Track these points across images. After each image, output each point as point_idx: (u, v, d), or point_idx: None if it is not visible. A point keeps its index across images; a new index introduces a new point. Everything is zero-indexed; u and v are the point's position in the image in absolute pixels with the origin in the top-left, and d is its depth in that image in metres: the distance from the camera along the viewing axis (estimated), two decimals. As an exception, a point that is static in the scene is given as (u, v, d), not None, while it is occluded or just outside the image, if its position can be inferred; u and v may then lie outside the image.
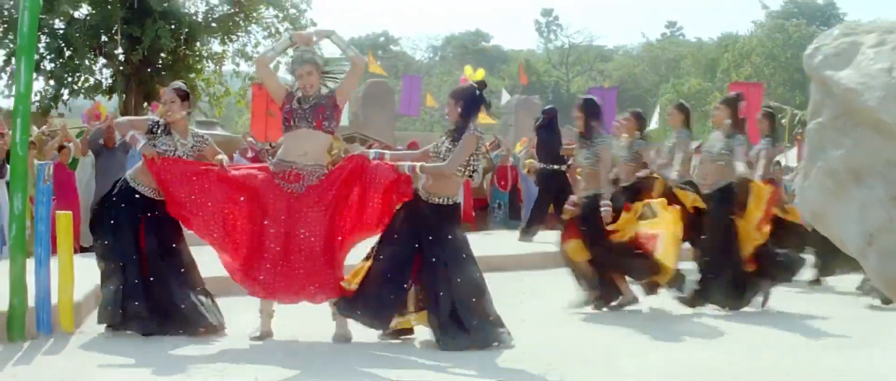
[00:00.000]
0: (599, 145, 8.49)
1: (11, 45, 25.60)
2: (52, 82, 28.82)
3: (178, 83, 7.76)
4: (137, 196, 7.01)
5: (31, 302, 6.70)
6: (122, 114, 30.23)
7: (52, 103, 29.01)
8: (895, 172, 2.38)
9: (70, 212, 7.12)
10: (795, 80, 52.37)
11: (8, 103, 27.79)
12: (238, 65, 32.27)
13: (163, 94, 7.37)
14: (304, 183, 6.77)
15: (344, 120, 32.02)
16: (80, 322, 7.22)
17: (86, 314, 7.46)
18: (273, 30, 30.42)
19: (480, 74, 19.06)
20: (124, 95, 29.65)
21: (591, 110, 8.66)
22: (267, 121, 29.29)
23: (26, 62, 6.23)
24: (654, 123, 33.88)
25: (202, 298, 7.17)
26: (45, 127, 15.10)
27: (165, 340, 6.85)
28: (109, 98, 31.04)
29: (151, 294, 6.92)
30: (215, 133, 15.78)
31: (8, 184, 7.21)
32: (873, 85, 2.38)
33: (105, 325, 6.97)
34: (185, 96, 7.30)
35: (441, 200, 6.83)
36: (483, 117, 29.85)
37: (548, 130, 14.53)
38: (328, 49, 7.50)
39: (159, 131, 7.10)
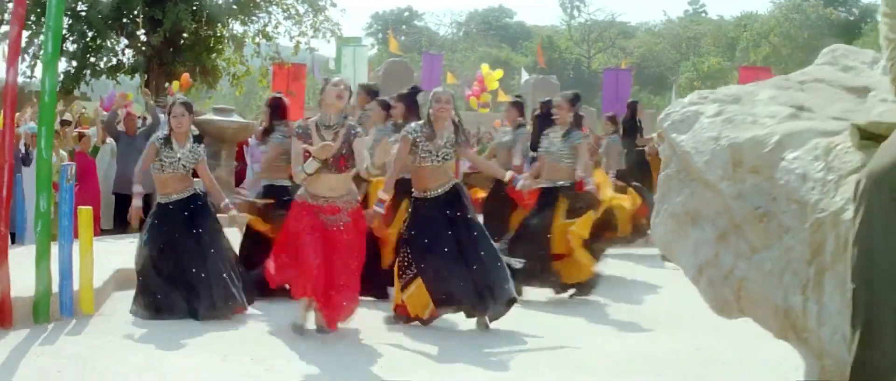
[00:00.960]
0: (579, 141, 9.06)
1: (34, 27, 26.16)
2: (74, 63, 29.18)
3: (184, 97, 8.52)
4: (171, 207, 7.93)
5: (54, 288, 7.39)
6: (143, 95, 30.96)
7: (74, 84, 29.43)
8: (720, 218, 3.05)
9: (90, 207, 7.79)
10: (812, 61, 52.52)
11: (29, 83, 28.35)
12: (259, 45, 32.76)
13: (173, 108, 8.05)
14: (342, 216, 7.03)
15: (354, 100, 32.70)
16: (99, 305, 7.95)
17: (105, 298, 8.18)
18: (292, 12, 30.56)
19: (499, 73, 19.60)
20: (146, 76, 30.14)
21: (577, 105, 9.26)
22: (287, 100, 29.92)
23: (50, 76, 6.93)
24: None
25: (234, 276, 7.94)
26: (68, 113, 15.68)
27: (181, 321, 7.56)
28: (132, 78, 31.53)
29: (189, 278, 7.75)
30: (232, 120, 16.27)
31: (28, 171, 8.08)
32: (703, 150, 3.05)
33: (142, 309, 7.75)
34: (191, 109, 8.05)
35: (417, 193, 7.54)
36: (502, 96, 30.28)
37: (546, 120, 15.09)
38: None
39: (161, 145, 7.85)
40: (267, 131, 9.03)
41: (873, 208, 2.32)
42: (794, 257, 2.73)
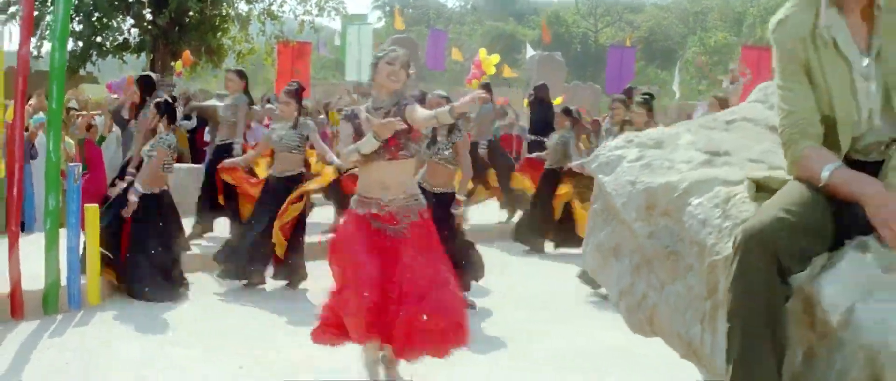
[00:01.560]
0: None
1: (40, 7, 26.54)
2: (80, 43, 29.62)
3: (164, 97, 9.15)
4: None
5: (62, 281, 7.88)
6: (151, 72, 31.40)
7: (80, 63, 29.81)
8: (636, 254, 3.48)
9: (97, 205, 8.30)
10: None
11: (36, 65, 28.73)
12: (264, 23, 33.18)
13: (151, 115, 8.66)
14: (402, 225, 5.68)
15: (365, 77, 33.06)
16: (105, 297, 8.46)
17: (111, 291, 8.70)
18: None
19: (495, 59, 19.99)
20: (152, 55, 30.55)
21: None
22: (292, 78, 30.33)
23: (58, 86, 7.42)
24: (675, 84, 34.68)
25: None
26: (73, 101, 16.07)
27: (184, 310, 8.22)
28: (137, 57, 32.00)
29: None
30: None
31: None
32: (622, 193, 3.49)
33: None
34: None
35: None
36: (507, 71, 30.52)
37: (541, 105, 15.58)
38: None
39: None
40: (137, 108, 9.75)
41: (746, 261, 2.78)
42: (695, 293, 3.20)
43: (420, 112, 5.56)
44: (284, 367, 6.59)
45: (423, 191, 8.10)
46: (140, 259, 8.54)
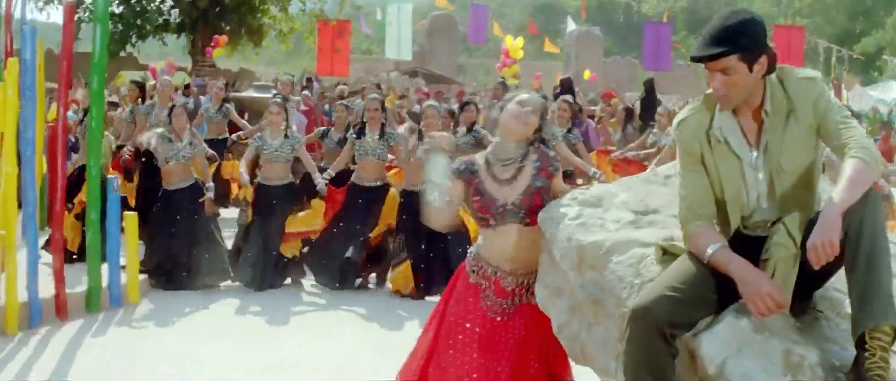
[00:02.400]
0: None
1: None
2: (120, 25, 30.37)
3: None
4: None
5: (103, 282, 8.67)
6: (190, 54, 32.21)
7: (120, 46, 30.53)
8: (571, 297, 4.15)
9: (136, 213, 9.13)
10: (858, 9, 52.46)
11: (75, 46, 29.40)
12: (304, 2, 33.80)
13: (175, 117, 9.50)
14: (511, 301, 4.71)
15: (407, 54, 33.71)
16: (144, 294, 9.27)
17: (149, 288, 9.52)
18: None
19: (520, 42, 20.69)
20: (192, 36, 31.29)
21: None
22: (333, 56, 31.08)
23: (97, 112, 8.20)
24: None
25: None
26: (114, 96, 16.74)
27: (221, 306, 9.05)
28: (178, 37, 32.80)
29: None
30: (270, 97, 17.41)
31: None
32: (560, 247, 4.04)
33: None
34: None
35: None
36: (548, 46, 31.18)
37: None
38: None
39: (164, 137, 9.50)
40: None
41: (634, 332, 3.47)
42: (612, 335, 3.88)
43: (560, 182, 4.77)
44: (319, 363, 7.31)
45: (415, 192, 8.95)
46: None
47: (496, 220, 4.53)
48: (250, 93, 17.39)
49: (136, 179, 10.89)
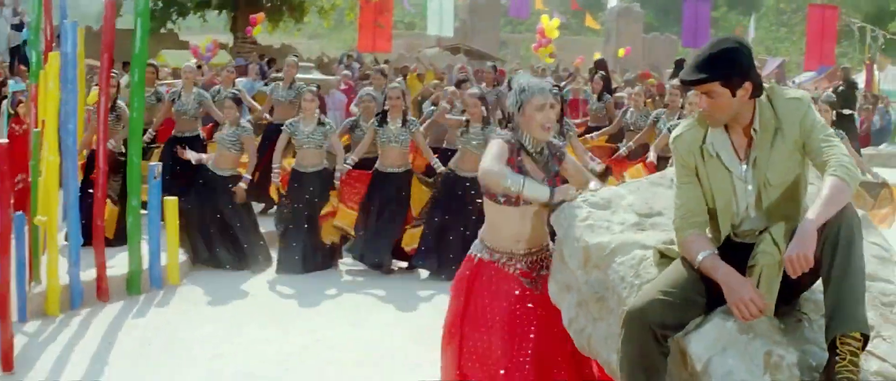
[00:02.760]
0: None
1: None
2: (160, 2, 30.71)
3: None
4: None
5: (144, 265, 9.07)
6: (231, 31, 32.58)
7: (161, 24, 30.83)
8: (578, 293, 4.45)
9: (176, 198, 9.51)
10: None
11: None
12: (344, -20, 34.01)
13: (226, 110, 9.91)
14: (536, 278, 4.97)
15: (449, 31, 33.90)
16: (183, 276, 9.67)
17: (189, 269, 9.94)
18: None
19: (556, 22, 20.91)
20: (233, 13, 31.59)
21: None
22: (375, 32, 31.33)
23: (138, 103, 8.57)
24: (750, 39, 34.90)
25: None
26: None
27: (258, 288, 9.43)
28: (219, 14, 33.12)
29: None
30: (312, 77, 17.75)
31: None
32: (569, 246, 4.39)
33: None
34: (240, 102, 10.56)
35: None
36: (589, 21, 31.25)
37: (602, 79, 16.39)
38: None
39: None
40: None
41: (629, 331, 3.81)
42: (613, 330, 4.18)
43: (574, 170, 5.09)
44: (352, 346, 7.63)
45: (455, 175, 9.32)
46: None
47: (527, 200, 4.72)
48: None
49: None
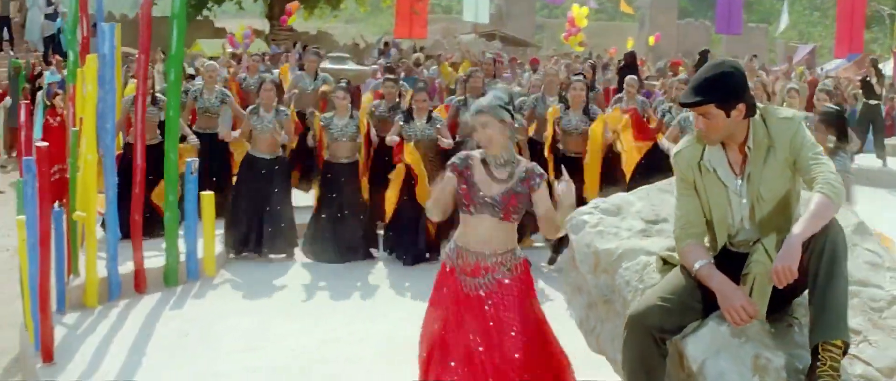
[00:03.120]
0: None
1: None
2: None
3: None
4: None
5: (181, 257, 9.41)
6: (267, 18, 32.90)
7: (197, 11, 31.04)
8: (588, 295, 4.80)
9: (213, 193, 9.88)
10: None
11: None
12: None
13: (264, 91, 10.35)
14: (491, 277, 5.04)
15: (484, 17, 34.06)
16: (220, 267, 10.02)
17: (224, 262, 10.29)
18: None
19: (585, 10, 21.09)
20: (270, 0, 31.86)
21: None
22: (411, 19, 31.54)
23: (174, 102, 8.91)
24: (783, 24, 34.85)
25: None
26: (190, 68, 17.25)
27: (291, 281, 9.73)
28: (255, 0, 33.43)
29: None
30: (346, 68, 18.07)
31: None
32: (581, 251, 4.70)
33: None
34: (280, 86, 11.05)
35: None
36: (624, 6, 31.35)
37: (628, 71, 16.61)
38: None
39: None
40: None
41: (631, 334, 4.12)
42: (618, 331, 4.48)
43: (543, 205, 4.98)
44: (385, 336, 7.84)
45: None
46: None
47: (475, 208, 4.94)
48: (325, 64, 17.99)
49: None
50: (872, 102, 18.43)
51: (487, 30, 37.85)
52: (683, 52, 36.02)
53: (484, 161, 5.02)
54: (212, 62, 13.39)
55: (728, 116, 4.04)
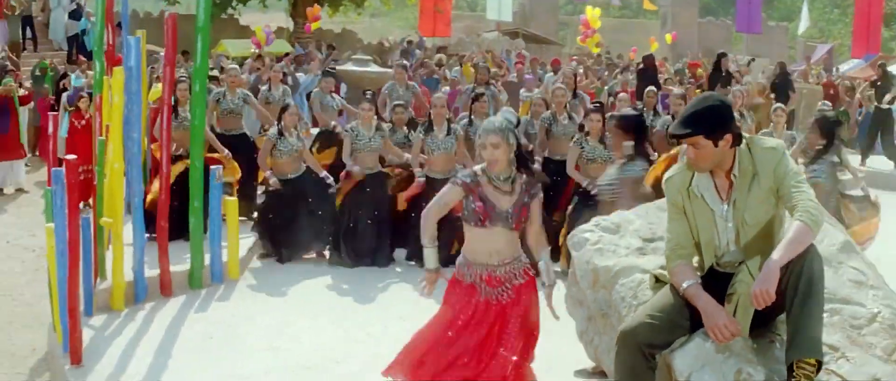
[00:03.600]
0: None
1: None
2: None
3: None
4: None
5: (205, 261, 9.66)
6: (292, 17, 33.16)
7: (221, 10, 31.17)
8: (588, 309, 5.10)
9: (236, 199, 10.23)
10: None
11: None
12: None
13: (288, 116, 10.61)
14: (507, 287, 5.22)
15: (508, 16, 34.22)
16: (243, 270, 10.30)
17: (247, 264, 10.59)
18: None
19: (598, 11, 21.28)
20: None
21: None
22: (435, 17, 31.73)
23: (199, 111, 9.24)
24: (803, 24, 34.87)
25: None
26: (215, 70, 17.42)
27: (312, 284, 10.01)
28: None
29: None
30: (368, 70, 18.32)
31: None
32: (581, 267, 5.03)
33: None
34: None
35: None
36: (647, 3, 31.40)
37: (647, 73, 16.79)
38: None
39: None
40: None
41: (621, 349, 4.44)
42: (613, 344, 4.78)
43: (535, 225, 5.28)
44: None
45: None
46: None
47: (491, 222, 5.10)
48: (349, 66, 18.28)
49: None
50: (884, 106, 18.43)
51: (511, 28, 38.03)
52: (704, 51, 36.11)
53: (487, 175, 5.18)
54: (234, 66, 13.71)
55: (716, 145, 4.36)
